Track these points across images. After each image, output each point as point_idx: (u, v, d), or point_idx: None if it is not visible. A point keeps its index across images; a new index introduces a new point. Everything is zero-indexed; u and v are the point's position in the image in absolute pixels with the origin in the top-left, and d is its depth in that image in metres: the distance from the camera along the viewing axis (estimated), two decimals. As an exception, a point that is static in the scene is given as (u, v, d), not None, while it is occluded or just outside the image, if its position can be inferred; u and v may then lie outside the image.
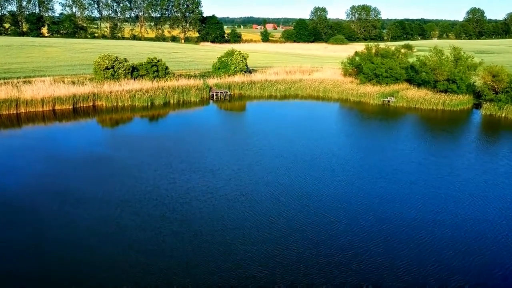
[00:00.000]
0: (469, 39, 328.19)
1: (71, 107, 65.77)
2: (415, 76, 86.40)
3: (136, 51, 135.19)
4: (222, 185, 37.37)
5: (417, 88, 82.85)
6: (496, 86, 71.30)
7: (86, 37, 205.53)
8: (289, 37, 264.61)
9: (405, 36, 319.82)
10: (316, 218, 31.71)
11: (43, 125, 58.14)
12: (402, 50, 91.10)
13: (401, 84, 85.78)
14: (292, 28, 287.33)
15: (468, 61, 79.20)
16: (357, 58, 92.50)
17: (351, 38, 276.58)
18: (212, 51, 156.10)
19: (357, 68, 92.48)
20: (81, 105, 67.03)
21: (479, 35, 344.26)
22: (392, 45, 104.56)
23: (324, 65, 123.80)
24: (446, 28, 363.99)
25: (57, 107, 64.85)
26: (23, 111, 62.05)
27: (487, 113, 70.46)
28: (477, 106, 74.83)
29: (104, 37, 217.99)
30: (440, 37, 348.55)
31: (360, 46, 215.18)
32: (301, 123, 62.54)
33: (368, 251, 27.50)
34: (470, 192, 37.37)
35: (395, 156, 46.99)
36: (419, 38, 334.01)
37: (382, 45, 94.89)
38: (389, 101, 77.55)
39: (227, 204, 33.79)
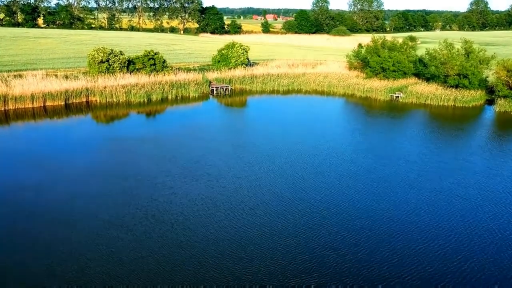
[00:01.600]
0: (472, 30, 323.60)
1: (63, 103, 62.27)
2: (424, 70, 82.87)
3: (133, 42, 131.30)
4: (227, 197, 34.07)
5: (425, 82, 79.36)
6: (511, 82, 67.74)
7: (83, 28, 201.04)
8: (290, 28, 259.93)
9: (407, 27, 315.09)
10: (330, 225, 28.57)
11: (32, 123, 54.70)
12: (410, 43, 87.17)
13: (409, 78, 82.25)
14: (293, 19, 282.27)
15: (480, 54, 75.56)
16: (363, 51, 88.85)
17: (353, 29, 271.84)
18: (211, 43, 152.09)
19: (362, 62, 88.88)
20: (74, 101, 63.52)
21: (483, 27, 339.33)
22: (396, 37, 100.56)
23: (328, 57, 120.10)
24: (449, 19, 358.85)
25: (48, 103, 61.33)
26: (11, 107, 58.54)
27: (501, 110, 67.02)
28: (490, 102, 71.42)
29: (101, 28, 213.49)
30: (443, 28, 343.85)
31: (363, 38, 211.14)
32: (306, 121, 59.00)
33: (377, 252, 24.34)
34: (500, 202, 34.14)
35: (410, 161, 43.64)
36: (422, 29, 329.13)
37: (380, 36, 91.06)
38: (397, 97, 74.04)
39: (233, 221, 30.54)
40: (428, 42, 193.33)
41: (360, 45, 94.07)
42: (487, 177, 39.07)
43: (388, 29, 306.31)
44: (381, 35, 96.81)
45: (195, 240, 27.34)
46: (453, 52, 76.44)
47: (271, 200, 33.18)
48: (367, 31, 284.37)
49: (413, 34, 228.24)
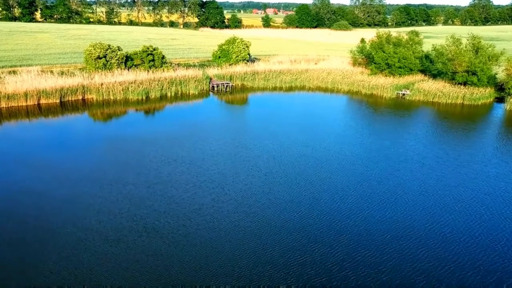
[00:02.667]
0: (474, 25, 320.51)
1: (58, 101, 60.04)
2: (430, 66, 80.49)
3: (132, 37, 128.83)
4: (232, 210, 31.97)
5: (432, 79, 77.06)
6: (522, 79, 65.52)
7: (81, 22, 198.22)
8: (291, 23, 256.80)
9: (409, 22, 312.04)
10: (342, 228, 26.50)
11: (26, 122, 52.48)
12: (416, 38, 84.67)
13: (416, 75, 79.92)
14: (294, 13, 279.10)
15: (489, 50, 73.18)
16: (367, 47, 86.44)
17: (355, 24, 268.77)
18: (212, 38, 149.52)
19: (367, 58, 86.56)
20: (69, 98, 61.28)
21: (485, 21, 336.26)
22: (399, 32, 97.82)
23: (330, 53, 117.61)
24: (451, 14, 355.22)
25: (43, 101, 59.11)
26: (4, 106, 56.32)
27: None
28: (500, 100, 69.17)
29: (99, 22, 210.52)
30: (445, 23, 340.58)
31: (364, 33, 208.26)
32: (311, 120, 56.80)
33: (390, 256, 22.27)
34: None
35: (426, 165, 41.48)
36: (424, 24, 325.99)
37: (385, 31, 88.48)
38: (404, 94, 71.80)
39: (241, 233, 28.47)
40: (431, 37, 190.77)
41: (362, 40, 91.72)
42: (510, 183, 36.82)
43: (389, 23, 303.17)
44: (386, 30, 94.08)
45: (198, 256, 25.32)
46: (461, 48, 74.05)
47: (281, 211, 31.07)
48: (369, 25, 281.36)
49: (415, 28, 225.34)
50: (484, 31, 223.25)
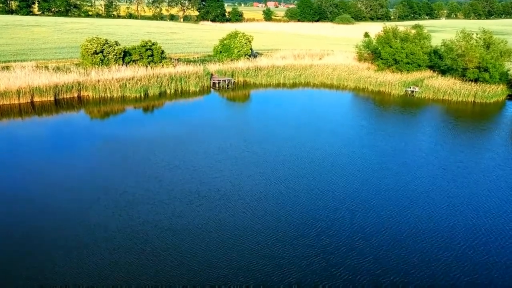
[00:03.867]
0: (478, 18, 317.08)
1: (52, 98, 57.36)
2: (439, 62, 77.76)
3: (131, 31, 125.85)
4: (240, 226, 29.46)
5: (441, 76, 74.33)
6: (537, 76, 62.85)
7: (79, 16, 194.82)
8: (293, 16, 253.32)
9: (412, 15, 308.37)
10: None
11: (18, 121, 49.90)
12: (424, 33, 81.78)
13: (424, 71, 77.22)
14: (296, 6, 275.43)
15: (501, 46, 70.39)
16: (374, 41, 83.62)
17: (358, 17, 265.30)
18: (212, 31, 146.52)
19: (373, 53, 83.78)
20: (64, 96, 58.60)
21: (488, 15, 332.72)
22: (402, 25, 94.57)
23: (334, 47, 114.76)
24: (455, 7, 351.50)
25: (36, 99, 56.42)
26: (-5, 104, 53.73)
27: (526, 106, 62.34)
28: (512, 98, 66.68)
29: (98, 15, 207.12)
30: (448, 16, 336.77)
31: (368, 27, 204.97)
32: (317, 119, 54.15)
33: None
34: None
35: (448, 170, 38.93)
36: (427, 17, 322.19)
37: (392, 25, 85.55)
38: (412, 91, 69.12)
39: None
40: (435, 31, 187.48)
41: (366, 34, 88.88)
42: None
43: (392, 17, 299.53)
44: (392, 23, 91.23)
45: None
46: (472, 43, 71.27)
47: (297, 227, 28.56)
48: (371, 19, 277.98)
49: (419, 22, 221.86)
50: (488, 25, 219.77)
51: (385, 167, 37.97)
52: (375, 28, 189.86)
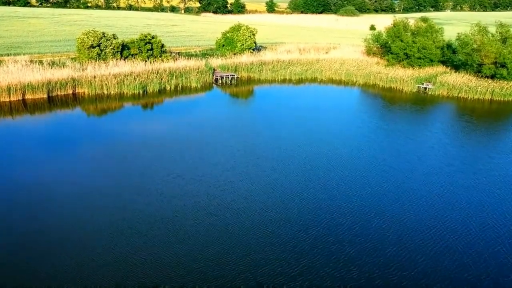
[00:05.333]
0: (484, 11, 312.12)
1: (45, 96, 54.09)
2: (453, 57, 74.24)
3: (130, 23, 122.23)
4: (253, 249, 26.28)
5: (455, 71, 70.82)
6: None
7: (78, 7, 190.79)
8: (296, 8, 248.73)
9: (417, 7, 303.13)
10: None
11: (8, 120, 46.63)
12: (436, 26, 78.12)
13: (437, 66, 73.73)
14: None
15: (518, 40, 66.81)
16: (383, 35, 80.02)
17: (362, 9, 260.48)
18: (214, 24, 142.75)
19: (382, 47, 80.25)
20: (58, 93, 55.33)
21: (494, 7, 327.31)
22: (406, 18, 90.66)
23: (340, 40, 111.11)
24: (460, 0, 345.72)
25: (28, 96, 53.16)
26: (-16, 102, 50.51)
27: (547, 105, 58.91)
28: (531, 95, 63.08)
29: (97, 7, 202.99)
30: (453, 8, 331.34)
31: (373, 19, 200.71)
32: (326, 119, 50.77)
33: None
34: None
35: (489, 175, 35.71)
36: (432, 9, 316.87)
37: (402, 18, 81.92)
38: (425, 88, 65.68)
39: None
40: (440, 23, 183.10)
41: (372, 27, 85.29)
42: None
43: (397, 9, 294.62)
44: (402, 15, 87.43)
45: None
46: (488, 38, 67.69)
47: (314, 241, 25.43)
48: (376, 11, 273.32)
49: (424, 14, 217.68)
50: (494, 17, 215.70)
51: (409, 175, 34.73)
52: (380, 21, 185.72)
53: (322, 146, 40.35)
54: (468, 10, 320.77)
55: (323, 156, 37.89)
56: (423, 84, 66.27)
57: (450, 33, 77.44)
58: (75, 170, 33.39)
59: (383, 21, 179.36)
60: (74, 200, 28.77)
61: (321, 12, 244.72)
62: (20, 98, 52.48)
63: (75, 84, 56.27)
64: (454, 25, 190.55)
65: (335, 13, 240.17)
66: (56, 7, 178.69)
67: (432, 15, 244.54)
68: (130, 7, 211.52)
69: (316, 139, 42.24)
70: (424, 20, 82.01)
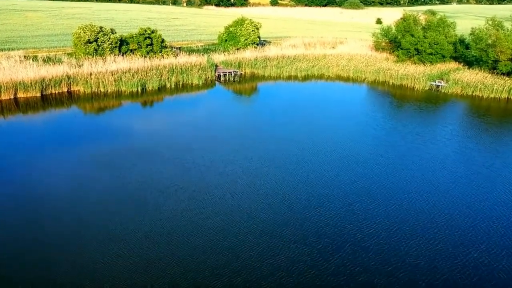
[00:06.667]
0: (490, 4, 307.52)
1: (38, 94, 51.37)
2: (466, 53, 71.08)
3: (131, 16, 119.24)
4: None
5: (468, 68, 67.69)
6: None
7: (79, 0, 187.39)
8: (300, 1, 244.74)
9: (423, 0, 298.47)
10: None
11: (0, 119, 43.92)
12: (448, 20, 74.84)
13: (449, 62, 70.60)
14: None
15: (536, 35, 63.58)
16: (393, 29, 76.82)
17: (366, 2, 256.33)
18: (217, 17, 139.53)
19: (391, 42, 77.08)
20: (52, 91, 52.59)
21: (501, 0, 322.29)
22: (413, 11, 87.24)
23: (345, 34, 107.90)
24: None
25: (21, 94, 50.45)
26: (-27, 101, 47.83)
27: None
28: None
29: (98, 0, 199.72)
30: (460, 1, 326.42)
31: (378, 12, 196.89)
32: (340, 121, 47.76)
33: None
34: None
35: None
36: (438, 2, 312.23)
37: (412, 11, 78.71)
38: (438, 86, 62.63)
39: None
40: (447, 16, 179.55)
41: (379, 20, 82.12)
42: None
43: (402, 1, 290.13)
44: (408, 8, 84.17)
45: None
46: (504, 32, 64.48)
47: (332, 254, 22.71)
48: (381, 4, 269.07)
49: (430, 7, 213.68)
50: (501, 10, 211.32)
51: (435, 187, 31.89)
52: (386, 14, 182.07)
53: (339, 158, 37.52)
54: (475, 3, 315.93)
55: (341, 172, 35.08)
56: (435, 81, 63.22)
57: (458, 27, 74.46)
58: (69, 173, 30.75)
59: (389, 14, 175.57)
60: (69, 202, 26.13)
61: (325, 5, 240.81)
62: (12, 96, 49.76)
63: (70, 82, 53.48)
64: (461, 18, 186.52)
65: (339, 5, 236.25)
66: (56, 0, 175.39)
67: (438, 8, 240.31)
68: (131, 0, 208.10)
69: (334, 142, 39.40)
70: (432, 13, 78.91)
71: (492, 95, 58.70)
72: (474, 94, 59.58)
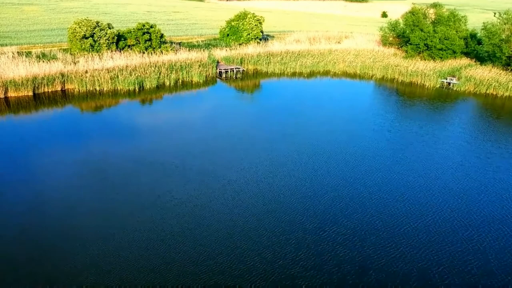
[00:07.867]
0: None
1: (30, 93, 48.87)
2: (478, 48, 68.18)
3: (130, 10, 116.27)
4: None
5: (480, 64, 64.88)
6: None
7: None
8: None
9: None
10: None
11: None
12: (459, 14, 71.90)
13: (460, 58, 67.79)
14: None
15: (552, 30, 60.72)
16: (401, 24, 73.93)
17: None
18: (219, 10, 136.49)
19: (399, 37, 74.21)
20: (45, 90, 50.06)
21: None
22: (417, 4, 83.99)
23: (351, 28, 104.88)
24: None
25: (11, 93, 47.96)
26: (-39, 100, 45.38)
27: None
28: None
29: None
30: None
31: (383, 5, 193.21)
32: (343, 120, 45.24)
33: None
34: None
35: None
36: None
37: (421, 5, 75.64)
38: (449, 83, 59.87)
39: None
40: (455, 10, 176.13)
41: (384, 14, 79.17)
42: None
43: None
44: (419, 1, 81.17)
45: None
46: (518, 27, 61.63)
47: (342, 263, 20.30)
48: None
49: (438, 1, 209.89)
50: (506, 3, 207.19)
51: (454, 198, 29.41)
52: (392, 7, 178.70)
53: (350, 166, 35.00)
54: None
55: (354, 178, 32.57)
56: (446, 78, 60.48)
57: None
58: (62, 176, 28.35)
59: (395, 8, 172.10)
60: (63, 207, 23.74)
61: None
62: (2, 96, 47.26)
63: (64, 80, 50.92)
64: (468, 11, 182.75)
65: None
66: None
67: (445, 1, 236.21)
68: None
69: (343, 145, 36.86)
70: (438, 6, 76.02)
71: (507, 93, 55.94)
72: (487, 92, 56.83)
